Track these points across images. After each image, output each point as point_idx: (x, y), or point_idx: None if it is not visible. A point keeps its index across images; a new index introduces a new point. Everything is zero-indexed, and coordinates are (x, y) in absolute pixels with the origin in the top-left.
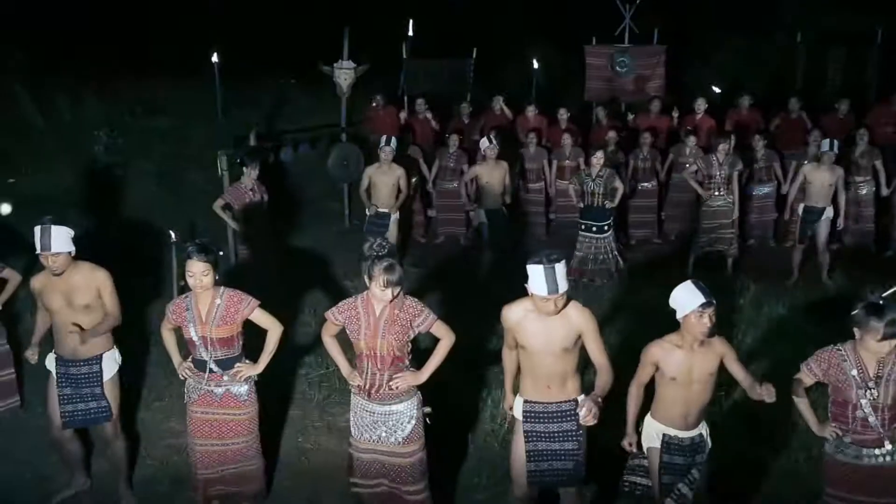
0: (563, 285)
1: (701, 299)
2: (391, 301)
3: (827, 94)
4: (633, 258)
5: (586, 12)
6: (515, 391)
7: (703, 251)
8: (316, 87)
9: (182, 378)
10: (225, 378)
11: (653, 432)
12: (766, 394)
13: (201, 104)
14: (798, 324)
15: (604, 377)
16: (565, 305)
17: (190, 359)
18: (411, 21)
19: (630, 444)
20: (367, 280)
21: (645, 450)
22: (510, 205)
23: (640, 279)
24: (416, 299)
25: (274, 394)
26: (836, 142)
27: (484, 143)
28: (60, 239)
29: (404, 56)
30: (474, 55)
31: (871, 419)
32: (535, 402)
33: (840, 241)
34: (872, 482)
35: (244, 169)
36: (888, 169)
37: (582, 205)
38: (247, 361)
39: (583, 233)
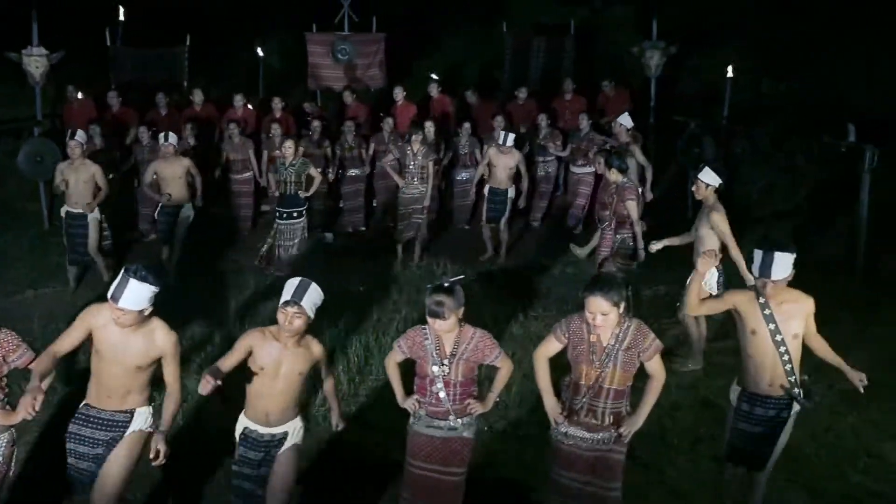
0: (134, 303)
1: (285, 297)
2: None
3: (530, 81)
4: (344, 245)
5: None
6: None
7: (404, 237)
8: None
9: None
10: None
11: (240, 427)
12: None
13: None
14: (484, 294)
15: (171, 407)
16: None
17: None
18: (122, 7)
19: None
20: None
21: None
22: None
23: (350, 267)
24: (12, 333)
25: None
26: (511, 134)
27: (161, 138)
28: None
29: (108, 43)
30: (188, 42)
31: (442, 394)
32: (91, 407)
33: (540, 219)
34: (440, 452)
35: None
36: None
37: (277, 193)
38: None
39: (278, 220)
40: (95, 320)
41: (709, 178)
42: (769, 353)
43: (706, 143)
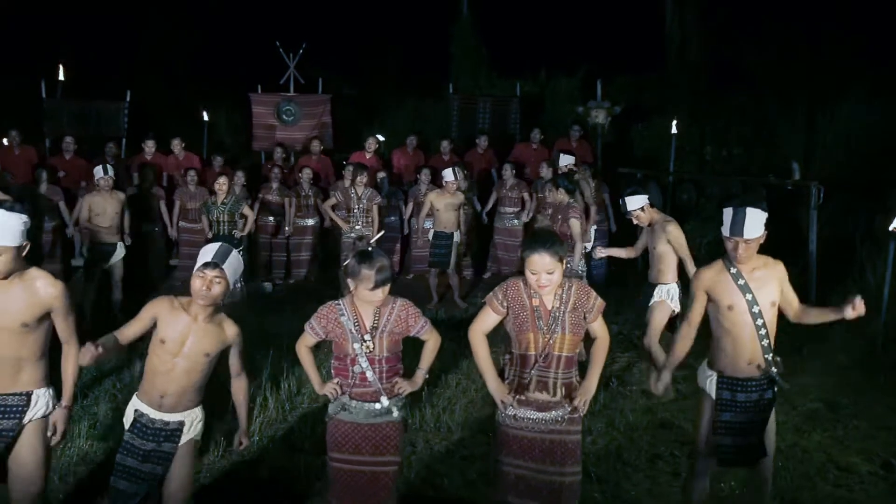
0: (6, 237)
1: (205, 259)
2: None
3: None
4: (284, 294)
5: (252, 61)
6: None
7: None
8: None
9: None
10: None
11: (130, 411)
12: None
13: None
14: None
15: (70, 369)
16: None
17: None
18: (62, 67)
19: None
20: None
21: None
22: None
23: (288, 310)
24: None
25: None
26: (456, 169)
27: (100, 171)
28: None
29: (44, 96)
30: (129, 98)
31: (368, 373)
32: None
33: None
34: (370, 441)
35: None
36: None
37: (210, 234)
38: None
39: None
40: None
41: (634, 203)
42: (748, 327)
43: (652, 188)
